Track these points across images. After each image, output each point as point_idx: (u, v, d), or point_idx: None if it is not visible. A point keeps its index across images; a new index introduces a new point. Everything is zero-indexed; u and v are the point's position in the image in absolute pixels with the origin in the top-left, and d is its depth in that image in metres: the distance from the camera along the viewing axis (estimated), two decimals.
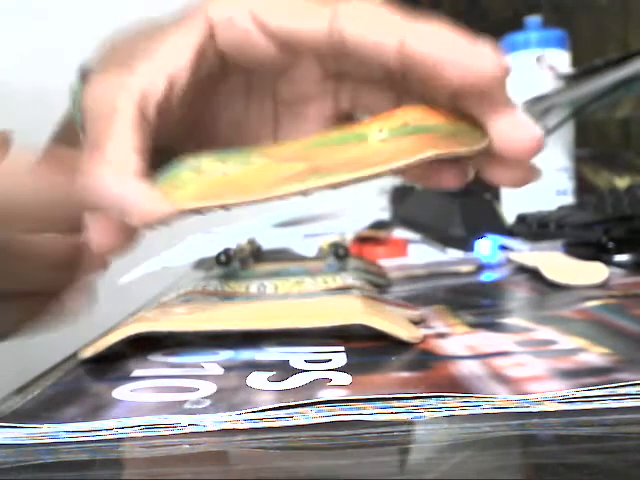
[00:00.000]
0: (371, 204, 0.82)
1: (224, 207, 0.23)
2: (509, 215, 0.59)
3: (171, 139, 0.26)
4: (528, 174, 0.24)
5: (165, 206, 0.22)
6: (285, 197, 0.22)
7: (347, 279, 0.32)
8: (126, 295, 0.56)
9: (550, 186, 0.66)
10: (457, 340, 0.24)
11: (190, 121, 0.27)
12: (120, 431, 0.17)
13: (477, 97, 0.22)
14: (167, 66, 0.23)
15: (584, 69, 0.60)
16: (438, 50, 0.21)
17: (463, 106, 0.23)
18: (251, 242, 0.49)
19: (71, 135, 0.32)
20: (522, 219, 0.54)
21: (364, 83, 0.26)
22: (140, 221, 0.22)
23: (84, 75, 0.29)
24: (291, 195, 0.22)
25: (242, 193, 0.22)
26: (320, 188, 0.22)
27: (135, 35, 0.25)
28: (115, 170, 0.22)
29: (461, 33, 0.22)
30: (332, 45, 0.23)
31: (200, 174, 0.23)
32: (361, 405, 0.18)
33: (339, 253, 0.37)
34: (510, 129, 0.22)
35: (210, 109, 0.27)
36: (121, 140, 0.22)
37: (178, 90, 0.23)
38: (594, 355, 0.21)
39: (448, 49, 0.21)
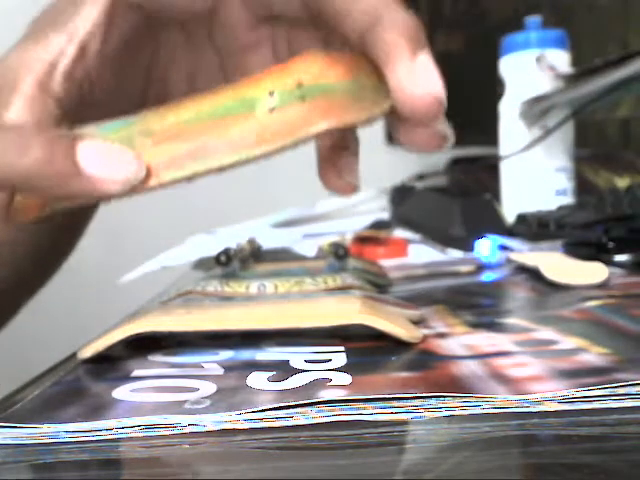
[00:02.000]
0: (371, 204, 0.82)
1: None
2: (509, 215, 0.59)
3: (118, 97, 0.26)
4: (433, 139, 0.22)
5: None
6: (167, 185, 0.22)
7: (347, 279, 0.32)
8: (126, 295, 0.56)
9: (550, 186, 0.66)
10: (457, 340, 0.24)
11: (133, 78, 0.27)
12: (120, 431, 0.17)
13: (373, 39, 0.20)
14: (75, 33, 0.23)
15: (584, 69, 0.60)
16: None
17: (368, 51, 0.21)
18: (251, 242, 0.49)
19: None
20: (522, 219, 0.54)
21: (296, 27, 0.26)
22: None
23: None
24: (172, 184, 0.22)
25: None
26: (201, 174, 0.21)
27: (48, 8, 0.25)
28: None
29: None
30: None
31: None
32: (361, 405, 0.18)
33: (339, 253, 0.37)
34: (406, 82, 0.20)
35: (154, 65, 0.27)
36: (13, 120, 0.22)
37: (93, 52, 0.24)
38: (594, 355, 0.21)
39: None
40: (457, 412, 0.17)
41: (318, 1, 0.22)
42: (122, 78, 0.26)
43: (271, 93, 0.22)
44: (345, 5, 0.21)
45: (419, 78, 0.20)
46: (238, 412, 0.18)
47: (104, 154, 0.21)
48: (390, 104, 0.21)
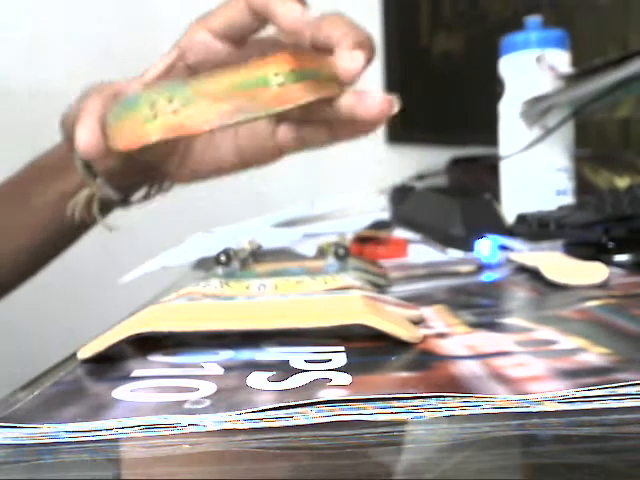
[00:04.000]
0: (371, 204, 0.82)
1: (183, 138, 0.36)
2: (509, 215, 0.59)
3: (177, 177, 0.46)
4: (370, 128, 0.38)
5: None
6: (222, 128, 0.34)
7: (347, 279, 0.32)
8: (126, 295, 0.56)
9: (550, 186, 0.66)
10: (457, 340, 0.24)
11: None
12: (120, 431, 0.17)
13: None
14: (144, 80, 0.37)
15: (584, 69, 0.60)
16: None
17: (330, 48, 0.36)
18: (251, 242, 0.49)
19: (54, 164, 0.46)
20: (522, 219, 0.54)
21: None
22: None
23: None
24: (226, 127, 0.34)
25: (191, 128, 0.33)
26: (243, 122, 0.34)
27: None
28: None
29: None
30: (251, 14, 0.36)
31: (154, 111, 0.33)
32: (361, 405, 0.18)
33: (339, 253, 0.37)
34: (344, 60, 0.35)
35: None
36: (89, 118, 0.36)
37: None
38: (594, 355, 0.21)
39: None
40: (457, 412, 0.17)
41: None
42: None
43: (276, 74, 0.33)
44: (329, 40, 0.36)
45: (351, 60, 0.35)
46: (238, 412, 0.18)
47: None
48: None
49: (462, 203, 0.56)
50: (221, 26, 0.36)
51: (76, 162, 0.40)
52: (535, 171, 0.66)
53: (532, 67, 0.66)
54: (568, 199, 0.65)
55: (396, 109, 0.35)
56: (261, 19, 0.36)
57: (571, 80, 0.63)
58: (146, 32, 0.97)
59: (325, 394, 0.18)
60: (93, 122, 0.35)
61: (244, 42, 0.38)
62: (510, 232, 0.54)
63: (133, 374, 0.22)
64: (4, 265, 0.49)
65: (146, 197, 0.46)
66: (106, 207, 0.44)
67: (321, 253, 0.47)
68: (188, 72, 0.38)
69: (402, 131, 1.19)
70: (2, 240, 0.48)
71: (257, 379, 0.21)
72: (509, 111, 0.68)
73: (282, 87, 0.33)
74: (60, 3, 0.96)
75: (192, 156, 0.43)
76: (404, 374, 0.20)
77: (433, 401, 0.18)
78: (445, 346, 0.24)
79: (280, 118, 0.39)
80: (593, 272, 0.36)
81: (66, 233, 0.49)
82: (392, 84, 1.17)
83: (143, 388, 0.20)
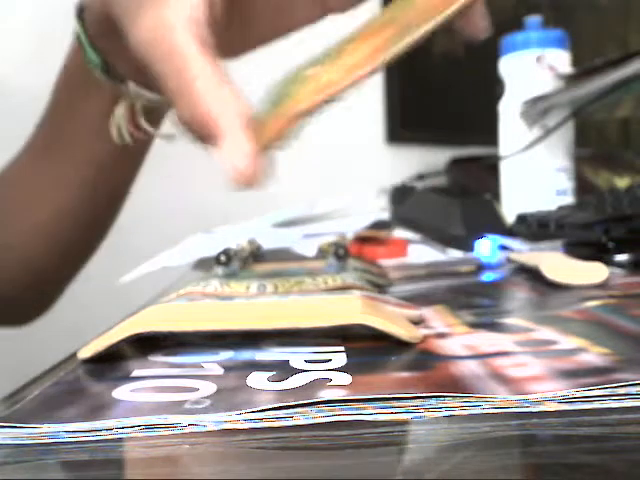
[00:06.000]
0: (371, 204, 0.82)
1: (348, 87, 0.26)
2: (509, 215, 0.59)
3: (227, 44, 0.28)
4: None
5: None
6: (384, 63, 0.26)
7: (347, 279, 0.32)
8: (126, 295, 0.56)
9: (550, 186, 0.66)
10: (457, 340, 0.24)
11: (237, 22, 0.29)
12: (120, 431, 0.17)
13: None
14: None
15: (584, 69, 0.61)
16: None
17: None
18: (251, 242, 0.49)
19: (76, 81, 0.35)
20: (522, 219, 0.54)
21: None
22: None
23: (83, 14, 0.31)
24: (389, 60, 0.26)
25: (347, 75, 0.25)
26: (404, 46, 0.26)
27: None
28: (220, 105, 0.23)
29: None
30: None
31: (307, 82, 0.25)
32: (361, 405, 0.18)
33: (339, 253, 0.37)
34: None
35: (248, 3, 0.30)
36: (210, 80, 0.23)
37: (218, 3, 0.26)
38: (594, 355, 0.21)
39: None
40: (457, 412, 0.17)
41: None
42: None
43: None
44: None
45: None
46: (238, 412, 0.18)
47: None
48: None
49: (462, 203, 0.56)
50: None
51: (95, 71, 0.32)
52: (535, 171, 0.66)
53: (532, 67, 0.66)
54: (568, 199, 0.65)
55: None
56: None
57: (571, 80, 0.63)
58: None
59: (325, 394, 0.18)
60: (242, 135, 0.23)
61: None
62: (510, 232, 0.54)
63: (133, 374, 0.22)
64: (58, 223, 0.40)
65: None
66: (155, 115, 0.34)
67: (321, 253, 0.47)
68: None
69: (402, 131, 1.19)
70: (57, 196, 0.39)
71: (257, 379, 0.21)
72: (509, 111, 0.68)
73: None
74: (60, 3, 0.96)
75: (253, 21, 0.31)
76: (404, 374, 0.20)
77: (433, 401, 0.18)
78: (445, 346, 0.24)
79: None
80: (593, 272, 0.36)
81: (125, 163, 0.39)
82: (392, 84, 1.17)
83: (143, 388, 0.20)
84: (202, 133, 0.24)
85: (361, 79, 0.26)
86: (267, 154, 0.25)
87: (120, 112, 0.33)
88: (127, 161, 0.39)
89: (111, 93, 0.33)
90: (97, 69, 0.32)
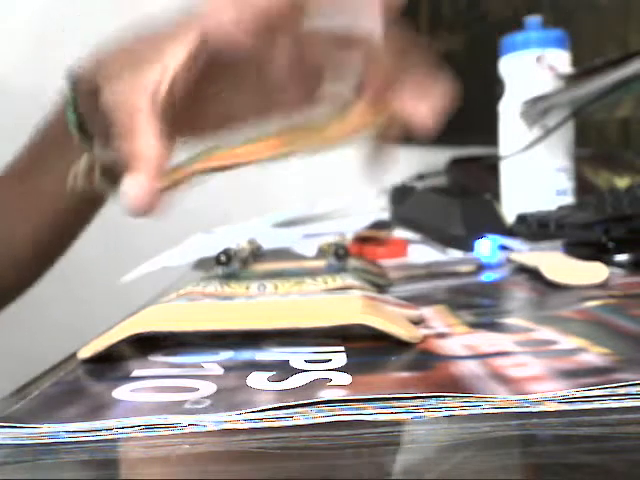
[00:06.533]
0: (371, 204, 0.82)
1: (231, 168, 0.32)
2: (509, 215, 0.59)
3: (175, 124, 0.33)
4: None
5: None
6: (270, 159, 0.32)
7: (347, 279, 0.32)
8: (126, 295, 0.56)
9: (550, 186, 0.66)
10: (457, 340, 0.24)
11: (192, 111, 0.35)
12: (120, 431, 0.17)
13: None
14: (170, 69, 0.30)
15: (584, 69, 0.60)
16: None
17: None
18: (251, 242, 0.49)
19: (53, 134, 0.42)
20: (522, 219, 0.54)
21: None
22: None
23: (73, 78, 0.37)
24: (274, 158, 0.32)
25: (244, 158, 0.31)
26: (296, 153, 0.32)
27: (136, 40, 0.32)
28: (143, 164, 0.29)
29: None
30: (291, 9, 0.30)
31: (214, 154, 0.31)
32: (361, 405, 0.18)
33: (339, 253, 0.37)
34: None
35: (206, 99, 0.35)
36: (146, 132, 0.29)
37: (180, 85, 0.31)
38: (594, 355, 0.21)
39: None
40: (457, 412, 0.17)
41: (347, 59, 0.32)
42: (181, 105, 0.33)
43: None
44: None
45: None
46: (238, 412, 0.18)
47: None
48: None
49: (462, 203, 0.56)
50: (253, 14, 0.30)
51: (71, 127, 0.37)
52: (535, 171, 0.66)
53: (532, 67, 0.66)
54: (568, 199, 0.65)
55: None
56: (298, 13, 0.30)
57: (571, 80, 0.63)
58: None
59: (325, 394, 0.18)
60: (147, 172, 0.29)
61: (275, 37, 0.33)
62: (510, 232, 0.54)
63: (133, 374, 0.22)
64: (23, 249, 0.46)
65: None
66: (114, 174, 0.38)
67: (321, 253, 0.47)
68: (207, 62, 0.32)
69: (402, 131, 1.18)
70: (19, 224, 0.46)
71: (257, 379, 0.21)
72: (509, 111, 0.68)
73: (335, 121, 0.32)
74: (61, 3, 0.96)
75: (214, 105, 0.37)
76: (404, 374, 0.20)
77: (433, 401, 0.18)
78: (445, 346, 0.24)
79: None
80: (593, 272, 0.36)
81: (78, 210, 0.45)
82: None
83: (143, 388, 0.20)
84: (127, 166, 0.30)
85: (250, 163, 0.32)
86: (167, 193, 0.30)
87: (81, 164, 0.37)
88: (79, 213, 0.46)
89: (79, 148, 0.38)
90: (72, 125, 0.37)
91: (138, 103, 0.30)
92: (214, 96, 0.35)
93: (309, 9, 0.30)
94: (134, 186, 0.29)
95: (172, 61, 0.30)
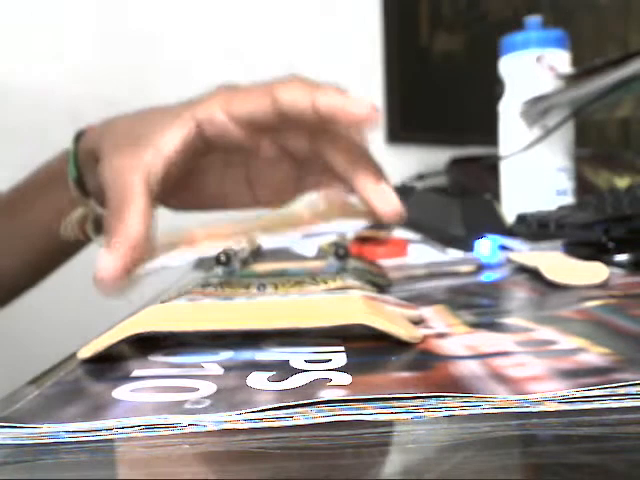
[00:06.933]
0: None
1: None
2: (509, 215, 0.59)
3: (165, 201, 0.38)
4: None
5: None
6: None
7: (347, 279, 0.32)
8: (126, 295, 0.55)
9: (550, 186, 0.66)
10: (457, 340, 0.24)
11: (182, 189, 0.38)
12: (120, 431, 0.17)
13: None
14: (164, 152, 0.32)
15: (584, 69, 0.61)
16: (336, 104, 0.30)
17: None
18: (251, 242, 0.49)
19: (51, 177, 0.44)
20: (522, 219, 0.54)
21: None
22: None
23: (79, 137, 0.40)
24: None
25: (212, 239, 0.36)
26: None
27: (138, 118, 0.35)
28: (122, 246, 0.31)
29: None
30: (275, 113, 0.32)
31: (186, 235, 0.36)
32: (361, 405, 0.18)
33: (339, 253, 0.37)
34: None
35: (196, 179, 0.38)
36: (133, 212, 0.31)
37: (172, 167, 0.33)
38: (594, 355, 0.21)
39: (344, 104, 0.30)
40: (457, 412, 0.17)
41: (324, 155, 0.35)
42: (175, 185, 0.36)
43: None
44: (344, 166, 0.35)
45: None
46: (238, 412, 0.18)
47: None
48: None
49: (462, 203, 0.56)
50: (242, 115, 0.33)
51: (70, 180, 0.40)
52: (535, 171, 0.66)
53: (532, 67, 0.66)
54: (568, 199, 0.65)
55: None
56: (285, 119, 0.32)
57: (571, 80, 0.63)
58: (147, 32, 0.97)
59: (325, 394, 0.18)
60: (121, 252, 0.30)
61: (263, 132, 0.35)
62: (510, 232, 0.54)
63: (133, 374, 0.22)
64: (4, 278, 0.49)
65: None
66: (101, 226, 0.43)
67: (321, 253, 0.47)
68: (202, 145, 0.35)
69: (402, 131, 1.19)
70: (5, 252, 0.49)
71: (257, 379, 0.21)
72: (509, 111, 0.68)
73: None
74: (61, 3, 0.96)
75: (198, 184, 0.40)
76: (404, 374, 0.20)
77: (433, 401, 0.18)
78: (445, 346, 0.24)
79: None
80: (593, 272, 0.36)
81: (62, 249, 0.48)
82: (392, 84, 1.17)
83: (143, 388, 0.20)
84: (107, 240, 0.32)
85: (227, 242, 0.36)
86: (137, 270, 0.31)
87: (76, 215, 0.41)
88: (63, 253, 0.49)
89: (73, 198, 0.41)
90: (72, 179, 0.40)
91: (131, 182, 0.31)
92: (204, 177, 0.38)
93: (293, 116, 0.32)
94: (108, 262, 0.30)
95: (167, 145, 0.32)
